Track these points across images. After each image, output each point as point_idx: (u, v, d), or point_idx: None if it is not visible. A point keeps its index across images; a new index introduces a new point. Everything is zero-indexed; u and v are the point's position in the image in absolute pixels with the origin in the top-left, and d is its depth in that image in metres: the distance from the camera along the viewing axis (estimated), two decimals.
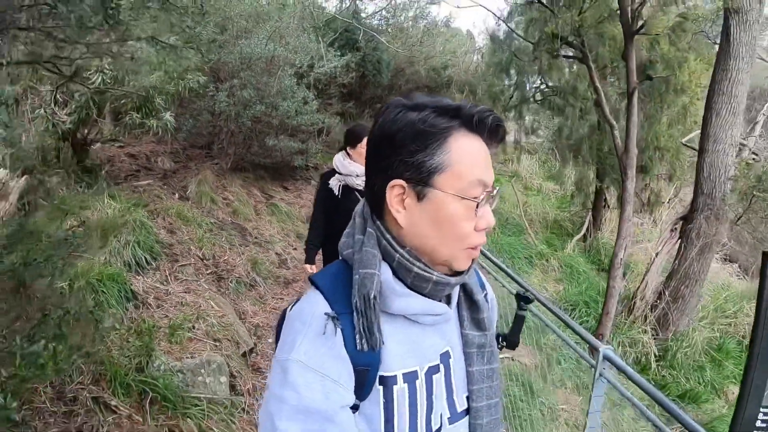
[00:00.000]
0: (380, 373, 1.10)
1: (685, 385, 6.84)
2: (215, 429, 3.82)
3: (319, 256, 4.62)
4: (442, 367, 1.19)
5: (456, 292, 1.24)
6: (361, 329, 1.05)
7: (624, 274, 8.99)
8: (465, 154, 1.08)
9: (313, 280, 1.15)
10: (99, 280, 4.33)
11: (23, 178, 3.39)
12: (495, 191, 1.12)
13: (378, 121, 1.13)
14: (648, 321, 7.47)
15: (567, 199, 13.95)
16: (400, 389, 1.11)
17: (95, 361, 3.63)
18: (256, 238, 7.38)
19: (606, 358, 2.77)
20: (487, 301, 1.33)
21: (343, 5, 14.63)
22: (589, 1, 7.27)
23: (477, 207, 1.09)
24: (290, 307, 1.18)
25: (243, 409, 4.19)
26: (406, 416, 1.12)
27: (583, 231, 11.54)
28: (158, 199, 6.58)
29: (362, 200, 1.23)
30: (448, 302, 1.21)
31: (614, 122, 7.24)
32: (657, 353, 7.22)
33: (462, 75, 16.24)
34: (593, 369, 2.84)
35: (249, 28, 8.34)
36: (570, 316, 4.30)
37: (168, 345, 4.26)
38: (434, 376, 1.17)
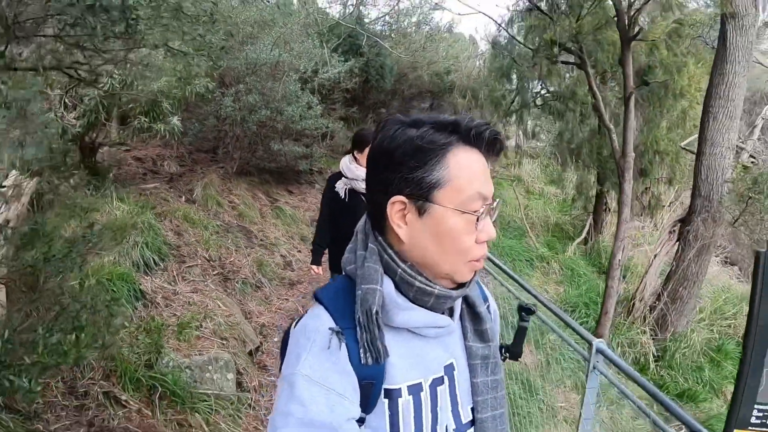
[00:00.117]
0: (385, 386, 1.11)
1: (684, 384, 6.90)
2: (222, 424, 3.93)
3: (324, 258, 4.69)
4: (446, 379, 1.20)
5: (458, 305, 1.25)
6: (365, 344, 1.07)
7: (623, 276, 9.08)
8: (464, 169, 1.09)
9: (317, 296, 1.17)
10: (109, 280, 4.45)
11: (34, 180, 3.52)
12: (495, 203, 1.15)
13: (377, 138, 1.15)
14: (647, 322, 7.55)
15: (568, 203, 13.98)
16: (405, 402, 1.12)
17: (106, 357, 3.74)
18: (261, 240, 7.49)
19: (599, 351, 2.88)
20: (489, 312, 1.35)
21: (347, 11, 14.73)
22: (587, 9, 7.36)
23: (477, 220, 1.10)
24: (294, 323, 1.20)
25: (249, 405, 4.31)
26: (412, 428, 1.13)
27: (584, 234, 11.59)
28: (165, 202, 6.71)
29: (364, 216, 1.24)
30: (451, 314, 1.21)
31: (612, 126, 7.33)
32: (655, 353, 7.30)
33: (464, 80, 16.25)
34: (587, 362, 2.95)
35: (254, 33, 8.46)
36: (570, 317, 4.39)
37: (176, 342, 4.38)
38: (439, 388, 1.18)
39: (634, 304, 7.76)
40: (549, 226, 12.57)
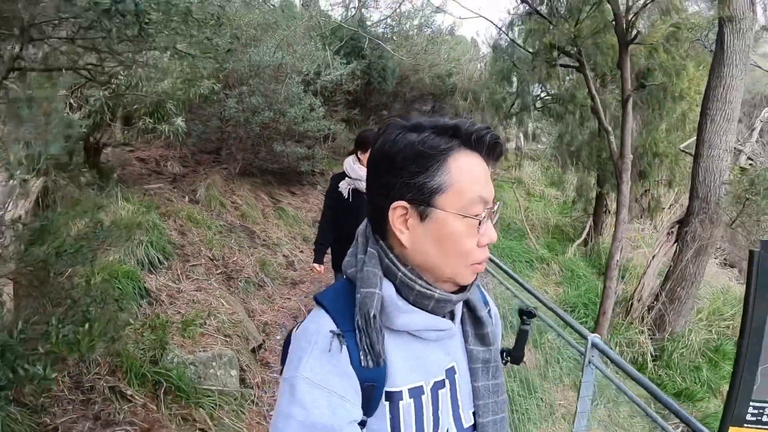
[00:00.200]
0: (386, 388, 1.11)
1: (681, 384, 6.96)
2: (226, 419, 4.00)
3: (327, 257, 4.76)
4: (447, 382, 1.20)
5: (459, 308, 1.25)
6: (364, 347, 1.07)
7: (622, 277, 9.14)
8: (465, 173, 1.09)
9: (317, 299, 1.17)
10: (114, 277, 4.52)
11: (41, 179, 3.60)
12: (495, 207, 1.15)
13: (378, 142, 1.15)
14: (645, 322, 7.61)
15: (568, 205, 14.05)
16: (407, 404, 1.12)
17: (112, 353, 3.81)
18: (264, 240, 7.56)
19: (594, 345, 2.95)
20: (490, 316, 1.34)
21: (349, 14, 14.78)
22: (587, 12, 7.42)
23: (479, 224, 1.10)
24: (295, 328, 1.22)
25: (252, 401, 4.37)
26: (413, 431, 1.13)
27: (584, 236, 11.65)
28: (169, 202, 6.77)
29: (365, 220, 1.24)
30: (452, 318, 1.22)
31: (610, 129, 7.41)
32: (653, 353, 7.36)
33: (466, 83, 16.23)
34: (583, 356, 3.02)
35: (258, 36, 8.54)
36: (569, 317, 4.46)
37: (181, 339, 4.45)
38: (440, 392, 1.18)
39: (632, 304, 7.83)
40: (549, 228, 12.63)
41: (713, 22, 7.35)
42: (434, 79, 15.62)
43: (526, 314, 1.48)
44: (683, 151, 9.68)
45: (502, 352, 1.40)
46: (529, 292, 4.03)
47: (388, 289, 1.12)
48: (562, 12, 7.98)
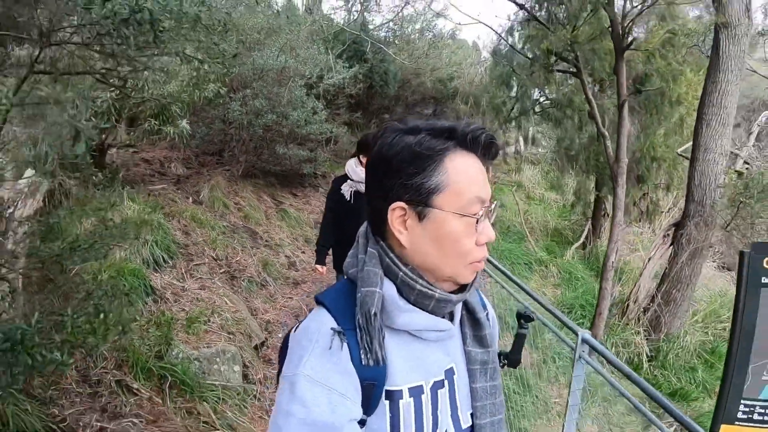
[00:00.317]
0: (386, 387, 1.11)
1: (677, 384, 7.04)
2: (229, 413, 4.09)
3: (328, 258, 4.84)
4: (446, 383, 1.21)
5: (458, 310, 1.26)
6: (365, 345, 1.08)
7: (619, 279, 9.24)
8: (461, 173, 1.10)
9: (318, 299, 1.18)
10: (121, 275, 4.62)
11: (48, 180, 3.71)
12: (493, 206, 1.16)
13: (375, 146, 1.17)
14: (641, 323, 7.69)
15: (568, 209, 14.14)
16: (406, 403, 1.13)
17: (118, 348, 3.91)
18: (266, 241, 7.67)
19: (584, 340, 3.06)
20: (488, 319, 1.36)
21: (352, 17, 14.88)
22: (584, 19, 7.52)
23: (477, 223, 1.12)
24: (293, 329, 1.22)
25: (255, 396, 4.47)
26: (413, 431, 1.14)
27: (582, 239, 11.73)
28: (173, 203, 6.88)
29: (365, 222, 1.26)
30: (451, 319, 1.23)
31: (606, 133, 7.50)
32: (649, 354, 7.44)
33: (467, 87, 16.28)
34: (574, 351, 3.13)
35: (261, 40, 8.64)
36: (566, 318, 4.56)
37: (185, 336, 4.55)
38: (439, 392, 1.19)
39: (628, 305, 7.90)
40: (548, 231, 12.70)
41: (710, 28, 7.43)
42: (436, 82, 15.69)
43: (524, 318, 1.50)
44: (680, 155, 9.76)
45: (499, 354, 1.41)
46: (524, 290, 4.13)
47: (389, 288, 1.13)
48: (560, 18, 8.06)
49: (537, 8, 8.64)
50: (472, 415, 1.26)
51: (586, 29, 7.69)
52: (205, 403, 4.03)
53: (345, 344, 1.07)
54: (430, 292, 1.12)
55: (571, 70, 8.51)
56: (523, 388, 5.20)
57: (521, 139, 16.77)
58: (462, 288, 1.20)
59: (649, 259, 7.87)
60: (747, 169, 8.63)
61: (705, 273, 9.94)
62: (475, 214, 1.11)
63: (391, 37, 15.57)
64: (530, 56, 9.70)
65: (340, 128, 11.28)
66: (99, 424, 3.37)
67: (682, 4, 7.40)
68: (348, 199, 4.43)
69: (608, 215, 11.66)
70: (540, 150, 17.06)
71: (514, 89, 12.34)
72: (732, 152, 8.78)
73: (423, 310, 1.14)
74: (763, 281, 4.19)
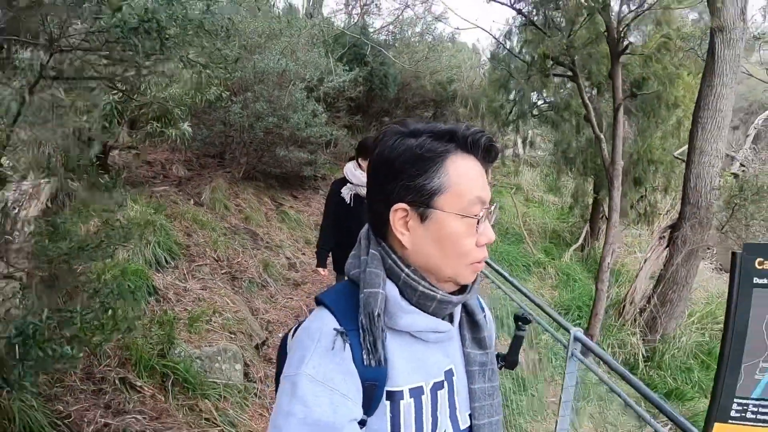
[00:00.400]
0: (387, 388, 1.12)
1: (672, 384, 7.11)
2: (230, 410, 4.16)
3: (329, 260, 4.89)
4: (446, 384, 1.21)
5: (458, 312, 1.27)
6: (368, 346, 1.08)
7: (616, 280, 9.32)
8: (462, 175, 1.12)
9: (320, 299, 1.19)
10: (124, 275, 4.69)
11: (52, 181, 3.79)
12: (492, 207, 1.18)
13: (377, 149, 1.18)
14: (637, 324, 7.77)
15: (566, 211, 14.22)
16: (407, 404, 1.14)
17: (121, 347, 3.99)
18: (267, 242, 7.73)
19: (576, 338, 3.14)
20: (486, 321, 1.37)
21: (352, 20, 14.93)
22: (580, 23, 7.60)
23: (477, 224, 1.13)
24: (291, 332, 1.26)
25: (255, 394, 4.54)
26: (413, 431, 1.14)
27: (581, 241, 11.81)
28: (174, 204, 6.94)
29: (367, 223, 1.26)
30: (451, 321, 1.24)
31: (602, 136, 7.58)
32: (645, 354, 7.52)
33: (466, 90, 16.25)
34: (566, 349, 3.21)
35: (262, 44, 8.69)
36: (563, 319, 4.61)
37: (187, 335, 4.62)
38: (439, 392, 1.20)
39: (624, 306, 7.98)
40: (547, 233, 12.78)
41: (705, 32, 7.51)
42: (435, 85, 15.64)
43: (521, 320, 1.51)
44: (677, 158, 9.84)
45: (497, 356, 1.41)
46: (520, 291, 4.21)
47: (392, 290, 1.14)
48: (557, 23, 8.14)
49: (534, 13, 8.72)
50: (470, 415, 1.27)
51: (582, 33, 7.77)
52: (206, 400, 4.09)
53: (347, 345, 1.08)
54: (431, 293, 1.13)
55: (567, 74, 8.58)
56: (520, 388, 5.26)
57: (519, 141, 16.81)
58: (462, 289, 1.22)
59: (645, 261, 7.95)
60: (743, 171, 8.70)
61: (702, 274, 10.03)
62: (475, 215, 1.13)
63: (391, 40, 15.54)
64: (527, 60, 9.78)
65: (340, 131, 11.31)
66: (103, 420, 3.42)
67: (677, 9, 7.47)
68: (348, 202, 4.46)
69: (606, 217, 11.73)
70: (539, 153, 17.11)
71: (513, 93, 12.38)
72: (728, 155, 8.86)
73: (424, 311, 1.15)
74: (755, 281, 4.26)
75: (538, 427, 5.18)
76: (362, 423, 1.10)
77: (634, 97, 8.75)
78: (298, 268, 7.60)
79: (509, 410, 4.94)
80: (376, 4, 15.30)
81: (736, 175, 8.28)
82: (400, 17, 15.44)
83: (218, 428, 3.92)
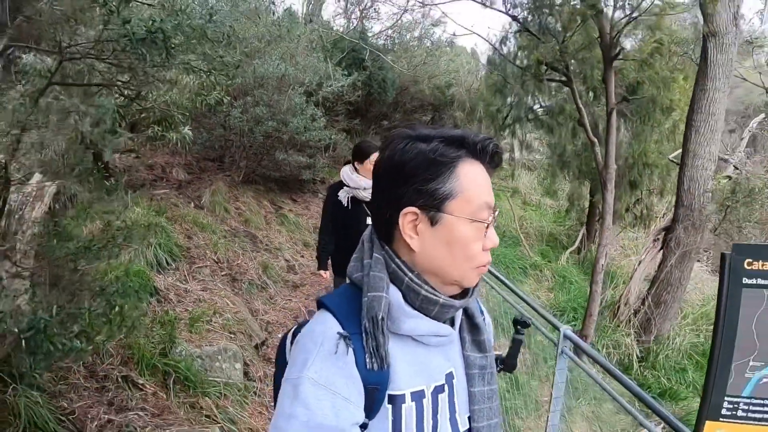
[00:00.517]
0: (389, 391, 1.12)
1: (666, 384, 7.18)
2: (230, 408, 4.23)
3: (328, 263, 4.94)
4: (446, 387, 1.22)
5: (459, 316, 1.28)
6: (371, 350, 1.09)
7: (612, 282, 9.41)
8: (472, 180, 1.13)
9: (323, 302, 1.19)
10: (126, 276, 4.77)
11: (54, 184, 3.88)
12: (496, 212, 1.19)
13: (385, 153, 1.18)
14: (631, 325, 7.85)
15: (563, 214, 14.29)
16: (408, 408, 1.14)
17: (124, 346, 4.07)
18: (266, 245, 7.81)
19: (566, 336, 3.24)
20: (485, 324, 1.38)
21: (351, 25, 15.01)
22: (573, 29, 7.68)
23: (486, 228, 1.15)
24: (290, 333, 1.28)
25: (255, 393, 4.62)
26: None
27: (577, 243, 11.88)
28: (175, 207, 7.03)
29: (369, 226, 1.27)
30: (452, 324, 1.25)
31: (596, 140, 7.67)
32: (639, 355, 7.59)
33: (464, 94, 16.27)
34: (556, 347, 3.30)
35: (262, 48, 8.78)
36: (558, 320, 4.69)
37: (188, 334, 4.70)
38: (440, 396, 1.20)
39: (619, 308, 8.05)
40: (544, 236, 12.84)
41: (699, 36, 7.60)
42: (434, 90, 15.72)
43: (520, 324, 1.53)
44: (672, 161, 9.92)
45: (496, 359, 1.42)
46: (513, 292, 4.30)
47: (395, 294, 1.15)
48: (551, 29, 8.23)
49: (530, 19, 8.80)
50: (469, 418, 1.28)
51: (576, 39, 7.86)
52: (207, 398, 4.16)
53: (350, 349, 1.08)
54: (434, 297, 1.14)
55: (562, 79, 8.66)
56: (515, 388, 5.33)
57: (516, 145, 16.88)
58: (463, 293, 1.23)
59: (640, 263, 8.04)
60: (738, 174, 8.79)
61: (697, 276, 10.11)
62: (484, 220, 1.15)
63: (390, 44, 15.59)
64: (522, 66, 9.86)
65: (339, 135, 11.37)
66: (106, 416, 3.48)
67: (669, 15, 7.57)
68: (345, 204, 4.49)
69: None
70: (537, 156, 17.18)
71: (509, 97, 12.45)
72: (722, 158, 8.94)
73: (426, 315, 1.16)
74: (744, 282, 4.35)
75: (533, 424, 5.26)
76: (364, 426, 1.12)
77: (627, 102, 8.84)
78: (297, 270, 7.68)
79: (503, 409, 5.01)
80: (375, 9, 15.40)
81: (730, 178, 8.37)
82: (399, 22, 15.54)
83: (218, 425, 3.98)
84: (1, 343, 2.46)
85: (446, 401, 1.22)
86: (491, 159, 1.18)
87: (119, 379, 3.86)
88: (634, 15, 7.00)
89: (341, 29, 14.51)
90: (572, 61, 8.07)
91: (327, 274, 4.86)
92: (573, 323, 8.27)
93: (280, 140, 9.06)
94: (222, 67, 2.72)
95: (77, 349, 2.08)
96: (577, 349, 3.42)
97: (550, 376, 6.26)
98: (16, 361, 2.51)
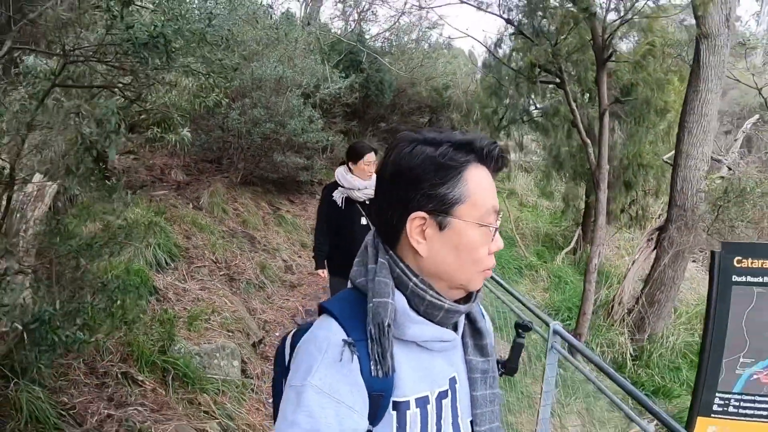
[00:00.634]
0: (393, 398, 1.11)
1: (660, 382, 7.24)
2: (228, 404, 4.30)
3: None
4: (449, 392, 1.22)
5: (462, 320, 1.28)
6: (376, 356, 1.07)
7: (606, 282, 9.48)
8: (479, 185, 1.13)
9: (325, 307, 1.17)
10: (126, 275, 4.85)
11: (55, 184, 3.95)
12: (500, 216, 1.20)
13: (391, 157, 1.17)
14: (625, 323, 7.92)
15: (559, 215, 14.38)
16: (413, 414, 1.13)
17: (123, 343, 4.14)
18: (264, 245, 7.90)
19: (555, 332, 3.32)
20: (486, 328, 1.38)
21: (349, 27, 15.08)
22: (566, 32, 7.75)
23: (493, 232, 1.16)
24: (289, 334, 1.28)
25: (252, 390, 4.69)
26: None
27: (572, 244, 11.95)
28: (174, 208, 7.10)
29: (372, 230, 1.25)
30: (455, 329, 1.25)
31: (588, 141, 7.73)
32: (633, 353, 7.66)
33: (461, 96, 16.30)
34: (546, 342, 3.39)
35: (260, 51, 8.85)
36: (553, 319, 4.75)
37: (187, 332, 4.77)
38: (443, 401, 1.20)
39: (613, 307, 8.13)
40: (540, 237, 12.91)
41: (691, 39, 7.67)
42: (431, 92, 15.83)
43: (521, 327, 1.53)
44: (666, 161, 9.99)
45: (497, 363, 1.40)
46: (504, 288, 4.37)
47: (400, 299, 1.13)
48: (545, 32, 8.29)
49: (525, 22, 8.86)
50: (471, 422, 1.28)
51: (570, 41, 7.94)
52: (205, 394, 4.22)
53: (355, 356, 1.07)
54: (439, 302, 1.14)
55: (555, 81, 8.74)
56: (509, 386, 5.40)
57: (512, 146, 16.93)
58: (467, 298, 1.23)
59: (633, 262, 8.12)
60: (731, 174, 8.88)
61: (692, 275, 10.19)
62: (491, 224, 1.15)
63: (387, 47, 15.67)
64: (516, 68, 9.93)
65: (336, 137, 11.50)
66: (106, 411, 3.53)
67: (661, 18, 7.65)
68: (340, 205, 4.53)
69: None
70: (533, 158, 17.25)
71: (505, 99, 12.51)
72: (716, 159, 9.03)
73: (431, 320, 1.16)
74: (733, 279, 4.45)
75: (526, 420, 5.32)
76: None
77: (620, 103, 8.91)
78: (294, 270, 7.76)
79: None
80: (372, 12, 15.47)
81: (723, 179, 8.45)
82: (396, 24, 15.59)
83: (216, 421, 4.05)
84: (4, 339, 2.54)
85: (449, 406, 1.22)
86: (496, 163, 1.19)
87: (119, 376, 3.91)
88: (627, 17, 7.07)
89: (339, 32, 14.55)
90: (566, 63, 8.14)
91: (324, 273, 4.86)
92: (568, 322, 8.33)
93: (278, 142, 9.14)
94: (221, 69, 2.80)
95: (80, 340, 2.16)
96: (571, 347, 3.49)
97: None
98: (19, 357, 2.58)
